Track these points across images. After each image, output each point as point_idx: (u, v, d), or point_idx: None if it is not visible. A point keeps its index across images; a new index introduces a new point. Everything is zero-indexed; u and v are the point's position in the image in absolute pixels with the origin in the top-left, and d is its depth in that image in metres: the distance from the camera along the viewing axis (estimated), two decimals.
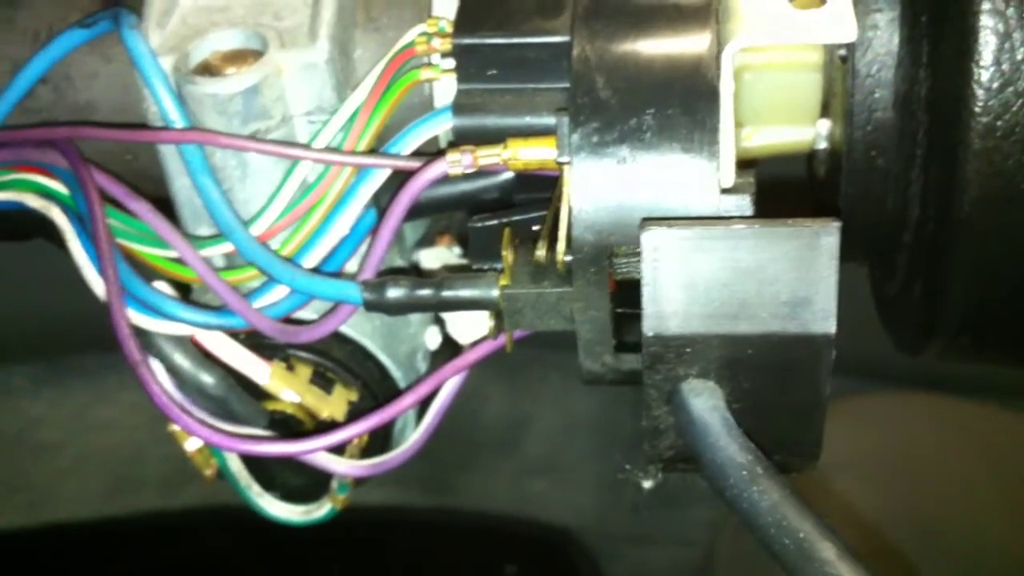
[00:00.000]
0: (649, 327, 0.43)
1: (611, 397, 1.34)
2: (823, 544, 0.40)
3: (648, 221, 0.43)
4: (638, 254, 0.43)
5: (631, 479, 0.48)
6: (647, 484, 0.48)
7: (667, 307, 0.43)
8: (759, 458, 0.43)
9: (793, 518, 0.41)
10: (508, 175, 0.51)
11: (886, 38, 0.49)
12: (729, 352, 0.44)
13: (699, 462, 0.44)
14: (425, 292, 0.50)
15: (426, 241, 0.62)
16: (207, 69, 0.52)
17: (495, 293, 0.49)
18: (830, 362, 0.43)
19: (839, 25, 0.45)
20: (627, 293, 0.45)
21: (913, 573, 1.02)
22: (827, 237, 0.42)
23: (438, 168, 0.49)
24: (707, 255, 0.42)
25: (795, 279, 0.42)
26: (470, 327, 0.58)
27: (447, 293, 0.50)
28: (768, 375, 0.44)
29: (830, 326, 0.43)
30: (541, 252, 0.47)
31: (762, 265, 0.42)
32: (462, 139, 0.49)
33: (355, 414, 0.56)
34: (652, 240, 0.42)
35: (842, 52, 0.50)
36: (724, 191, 0.45)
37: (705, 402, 0.44)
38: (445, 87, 0.52)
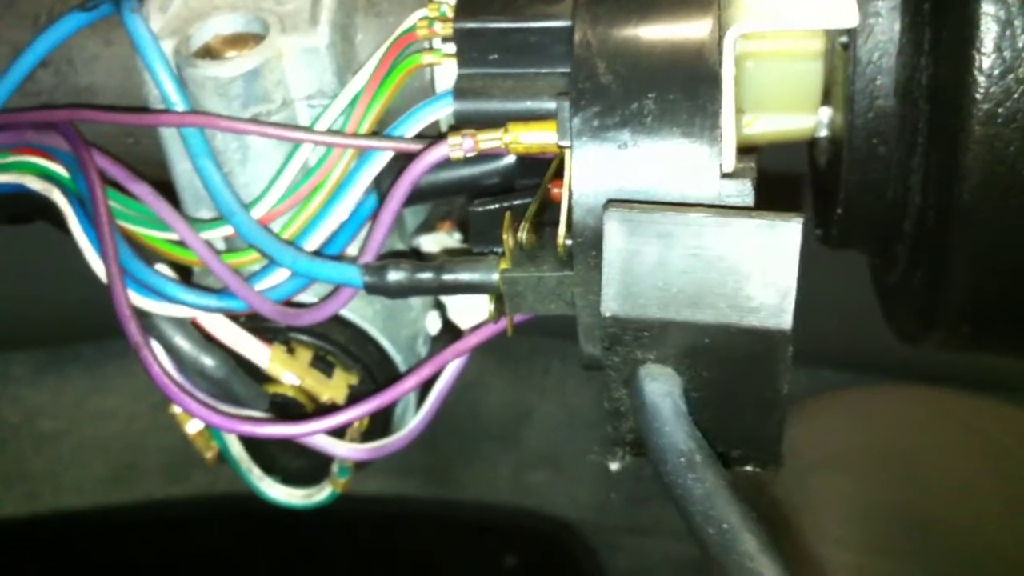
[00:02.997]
0: (607, 308, 0.43)
1: None
2: (745, 536, 0.40)
3: (612, 203, 0.43)
4: None
5: (599, 461, 0.48)
6: (613, 466, 0.49)
7: (626, 289, 0.43)
8: (701, 447, 0.42)
9: (721, 509, 0.41)
10: (509, 160, 0.51)
11: (887, 25, 0.49)
12: (687, 340, 0.43)
13: (646, 445, 0.44)
14: (426, 275, 0.50)
15: (426, 227, 0.62)
16: (208, 52, 0.52)
17: (495, 277, 0.49)
18: (788, 358, 0.43)
19: (841, 11, 0.45)
20: None
21: (909, 569, 1.02)
22: (789, 231, 0.41)
23: (439, 151, 0.49)
24: (668, 241, 0.42)
25: (755, 271, 0.42)
26: (471, 312, 0.58)
27: (447, 276, 0.50)
28: (727, 366, 0.44)
29: (786, 321, 0.42)
30: (523, 235, 0.47)
31: (722, 255, 0.42)
32: (463, 123, 0.49)
33: (355, 397, 0.56)
34: (614, 222, 0.42)
35: (843, 39, 0.50)
36: (725, 176, 0.45)
37: (660, 387, 0.44)
38: (446, 71, 0.52)
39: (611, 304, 0.43)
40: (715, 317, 0.43)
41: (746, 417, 0.46)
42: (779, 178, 0.50)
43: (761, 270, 0.42)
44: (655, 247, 0.42)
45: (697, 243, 0.42)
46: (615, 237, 0.43)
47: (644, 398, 0.44)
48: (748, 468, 0.47)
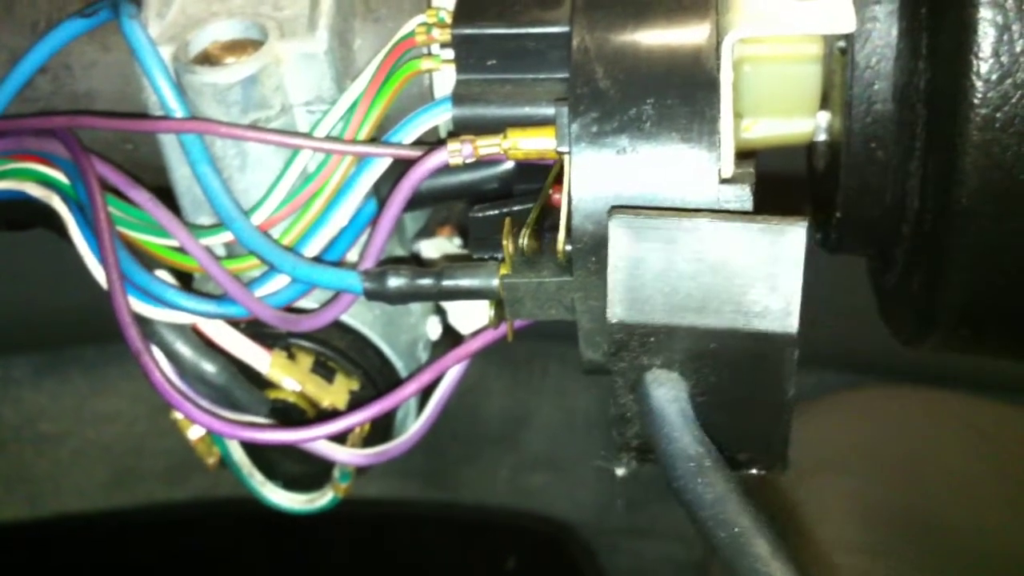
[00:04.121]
0: (613, 314, 0.43)
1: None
2: (758, 540, 0.40)
3: (616, 209, 0.43)
4: None
5: (605, 467, 0.48)
6: (620, 472, 0.49)
7: (632, 295, 0.43)
8: (710, 452, 0.43)
9: (732, 513, 0.41)
10: (508, 165, 0.51)
11: (885, 30, 0.49)
12: (693, 345, 0.44)
13: (654, 451, 0.44)
14: (425, 281, 0.50)
15: (426, 232, 0.62)
16: (207, 59, 0.52)
17: (495, 282, 0.49)
18: (793, 361, 0.43)
19: (838, 16, 0.45)
20: None
21: (911, 569, 1.03)
22: (793, 235, 0.42)
23: (438, 157, 0.49)
24: (673, 246, 0.42)
25: (760, 276, 0.42)
26: (471, 317, 0.59)
27: (447, 282, 0.50)
28: (733, 371, 0.44)
29: (793, 325, 0.42)
30: (524, 240, 0.47)
31: (727, 260, 0.42)
32: (462, 129, 0.49)
33: (356, 403, 0.57)
34: (619, 228, 0.43)
35: (841, 44, 0.50)
36: (724, 181, 0.45)
37: (666, 393, 0.44)
38: (445, 77, 0.52)
39: (617, 310, 0.43)
40: (721, 322, 0.43)
41: (752, 420, 0.46)
42: (777, 181, 0.50)
43: (767, 274, 0.42)
44: (660, 252, 0.43)
45: (702, 248, 0.42)
46: (620, 243, 0.43)
47: (651, 404, 0.44)
48: (754, 471, 0.48)
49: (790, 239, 0.42)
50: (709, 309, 0.43)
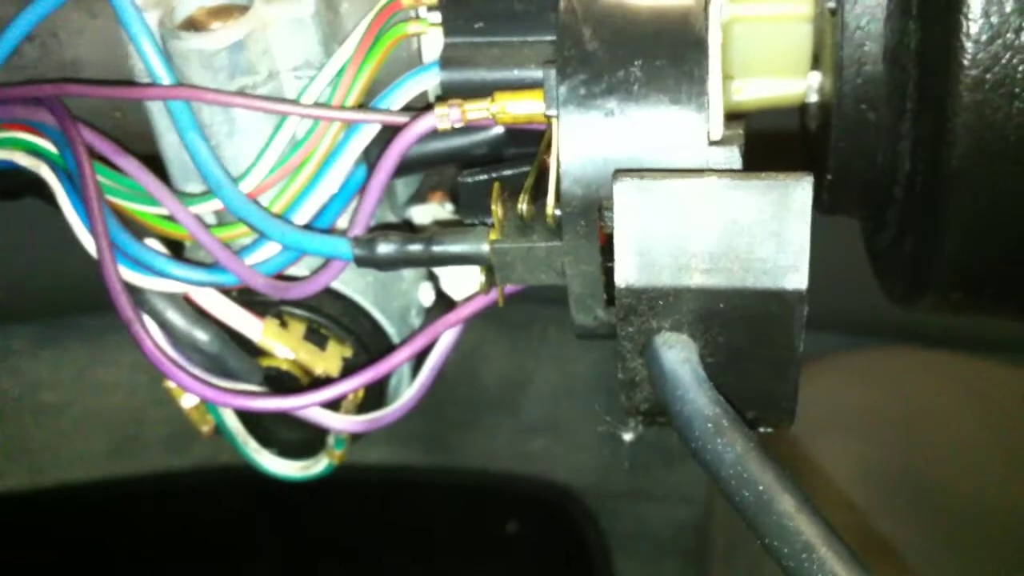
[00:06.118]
0: (621, 278, 0.43)
1: (611, 354, 1.34)
2: (783, 497, 0.40)
3: (621, 172, 0.43)
4: None
5: (611, 431, 0.48)
6: (627, 437, 0.49)
7: (639, 258, 0.43)
8: (726, 411, 0.43)
9: (755, 471, 0.41)
10: (498, 130, 0.51)
11: None
12: (702, 305, 0.44)
13: (668, 414, 0.44)
14: (415, 247, 0.50)
15: (418, 197, 0.61)
16: (193, 24, 0.52)
17: (485, 248, 0.49)
18: (802, 317, 0.43)
19: None
20: None
21: (911, 529, 1.03)
22: (799, 191, 0.42)
23: (426, 122, 0.48)
24: (679, 207, 0.42)
25: (767, 233, 0.42)
26: (464, 282, 0.59)
27: (437, 248, 0.50)
28: (742, 330, 0.44)
29: (801, 281, 0.42)
30: (523, 206, 0.47)
31: (734, 218, 0.42)
32: (450, 93, 0.49)
33: (349, 370, 0.57)
34: (624, 191, 0.42)
35: (831, 4, 0.50)
36: (713, 143, 0.45)
37: (677, 355, 0.44)
38: (432, 41, 0.52)
39: (626, 274, 0.43)
40: (730, 281, 0.43)
41: (761, 378, 0.46)
42: (765, 141, 0.50)
43: (773, 231, 0.42)
44: (667, 214, 0.42)
45: (709, 207, 0.42)
46: (627, 205, 0.42)
47: (663, 366, 0.44)
48: (761, 429, 0.48)
49: (795, 195, 0.42)
50: (717, 269, 0.43)
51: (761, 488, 0.41)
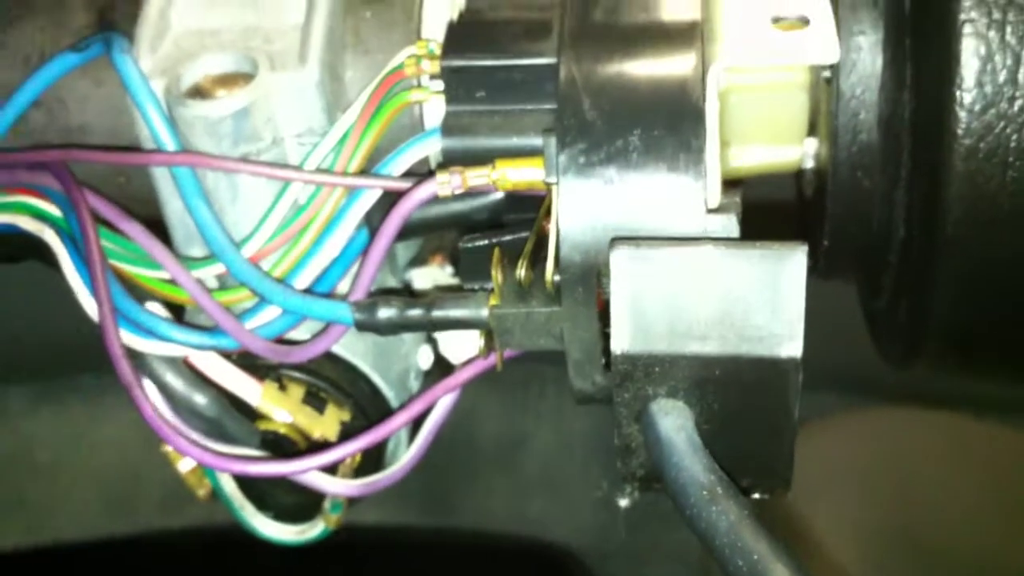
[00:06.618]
0: (617, 345, 0.44)
1: (609, 414, 1.33)
2: (775, 566, 0.40)
3: (618, 240, 0.43)
4: None
5: (607, 497, 0.48)
6: (623, 503, 0.49)
7: (635, 325, 0.43)
8: (721, 479, 0.43)
9: (748, 539, 0.41)
10: (498, 196, 0.51)
11: (870, 60, 0.49)
12: (697, 372, 0.44)
13: (663, 481, 0.44)
14: (416, 312, 0.50)
15: (419, 260, 0.62)
16: (198, 92, 0.52)
17: (485, 313, 0.49)
18: (798, 385, 0.43)
19: (822, 46, 0.46)
20: None
21: None
22: (793, 260, 0.42)
23: (428, 188, 0.49)
24: (675, 275, 0.43)
25: (762, 301, 0.42)
26: (462, 347, 0.59)
27: (437, 313, 0.50)
28: (737, 397, 0.44)
29: (796, 349, 0.43)
30: (522, 272, 0.48)
31: (729, 286, 0.42)
32: (451, 160, 0.50)
33: (347, 434, 0.57)
34: (621, 258, 0.43)
35: (827, 73, 0.51)
36: (710, 211, 0.45)
37: (673, 421, 0.44)
38: (435, 108, 0.52)
39: (622, 341, 0.44)
40: (725, 348, 0.43)
41: (757, 445, 0.46)
42: (765, 208, 0.50)
43: (769, 299, 0.42)
44: (662, 281, 0.43)
45: (705, 276, 0.43)
46: (623, 273, 0.43)
47: (658, 433, 0.44)
48: (756, 495, 0.48)
49: (790, 264, 0.42)
50: (712, 336, 0.43)
51: (755, 557, 0.41)
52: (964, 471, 1.12)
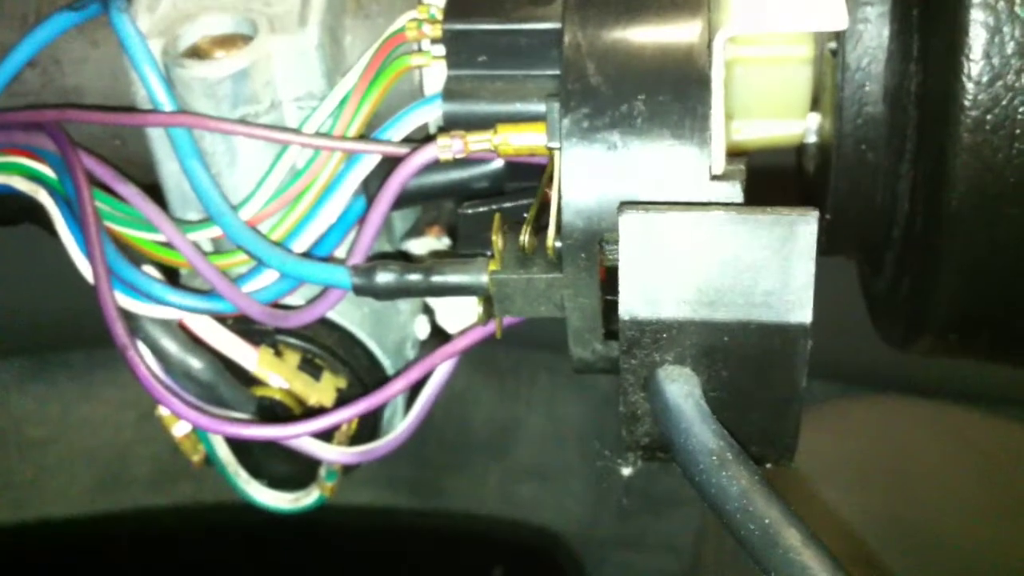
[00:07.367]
0: (625, 311, 0.43)
1: (601, 400, 1.34)
2: (789, 531, 0.40)
3: (626, 205, 0.43)
4: None
5: (610, 467, 0.48)
6: (626, 472, 0.48)
7: (644, 291, 0.43)
8: (730, 445, 0.42)
9: (760, 504, 0.41)
10: (498, 164, 0.51)
11: (876, 32, 0.49)
12: (705, 339, 0.43)
13: (672, 448, 0.44)
14: (414, 277, 0.50)
15: (415, 231, 0.61)
16: (196, 53, 0.52)
17: (484, 278, 0.49)
18: (806, 352, 0.43)
19: (830, 14, 0.45)
20: (617, 280, 0.45)
21: None
22: (805, 226, 0.42)
23: (428, 153, 0.49)
24: (684, 240, 0.42)
25: (772, 267, 0.42)
26: (459, 316, 0.58)
27: (436, 278, 0.49)
28: (745, 364, 0.44)
29: (806, 315, 0.42)
30: (524, 238, 0.47)
31: (739, 252, 0.42)
32: (452, 125, 0.49)
33: (343, 401, 0.56)
34: (630, 224, 0.42)
35: (832, 46, 0.50)
36: (714, 178, 0.45)
37: (680, 388, 0.44)
38: (435, 73, 0.52)
39: (630, 306, 0.43)
40: (734, 315, 0.43)
41: (763, 414, 0.46)
42: (765, 179, 0.50)
43: (778, 266, 0.42)
44: (672, 247, 0.42)
45: (714, 241, 0.42)
46: (633, 238, 0.42)
47: (666, 400, 0.44)
48: (763, 465, 0.47)
49: (801, 230, 0.42)
50: (721, 303, 0.43)
51: (767, 522, 0.40)
52: (957, 459, 1.12)
